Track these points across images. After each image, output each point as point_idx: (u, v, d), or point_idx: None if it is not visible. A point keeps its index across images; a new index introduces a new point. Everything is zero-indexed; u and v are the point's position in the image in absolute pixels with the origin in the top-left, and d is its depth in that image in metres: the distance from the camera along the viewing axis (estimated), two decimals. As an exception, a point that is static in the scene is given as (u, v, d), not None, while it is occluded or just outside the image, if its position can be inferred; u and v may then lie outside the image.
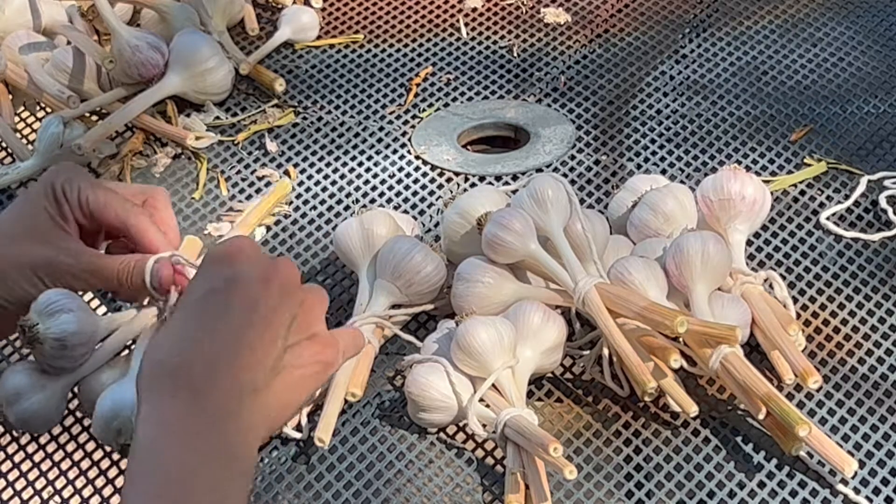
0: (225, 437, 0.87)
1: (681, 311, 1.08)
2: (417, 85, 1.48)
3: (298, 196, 1.35)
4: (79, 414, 1.15)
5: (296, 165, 1.38)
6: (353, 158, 1.39)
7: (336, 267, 1.26)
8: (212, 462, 0.86)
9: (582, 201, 1.31)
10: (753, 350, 1.13)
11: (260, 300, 0.91)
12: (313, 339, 0.93)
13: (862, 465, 1.06)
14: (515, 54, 1.51)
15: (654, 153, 1.37)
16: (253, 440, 0.89)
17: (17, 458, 1.12)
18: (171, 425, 0.86)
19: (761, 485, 1.05)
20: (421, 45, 1.54)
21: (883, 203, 1.28)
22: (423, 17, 1.58)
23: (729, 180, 1.19)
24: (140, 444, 0.86)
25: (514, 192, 1.19)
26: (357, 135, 1.42)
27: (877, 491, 1.05)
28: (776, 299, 1.16)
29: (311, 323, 0.93)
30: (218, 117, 1.44)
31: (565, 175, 1.35)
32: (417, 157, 1.39)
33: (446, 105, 1.45)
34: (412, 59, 1.51)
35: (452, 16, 1.58)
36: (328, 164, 1.38)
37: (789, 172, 1.33)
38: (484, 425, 1.07)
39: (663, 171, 1.34)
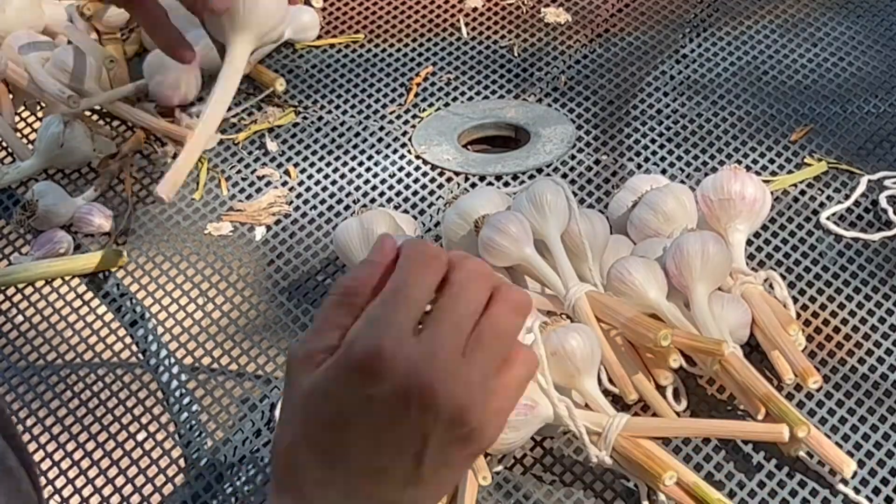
0: None
1: (664, 325, 1.08)
2: (418, 85, 1.48)
3: (298, 196, 1.35)
4: (79, 414, 1.15)
5: (296, 165, 1.38)
6: (354, 158, 1.39)
7: (336, 267, 1.26)
8: None
9: (582, 201, 1.31)
10: (753, 350, 1.13)
11: (392, 425, 0.77)
12: (466, 439, 0.77)
13: (861, 464, 1.06)
14: (516, 54, 1.51)
15: (654, 153, 1.37)
16: None
17: (17, 458, 1.12)
18: None
19: (761, 485, 1.05)
20: (421, 44, 1.53)
21: (883, 203, 1.28)
22: (424, 16, 1.58)
23: (729, 180, 1.19)
24: None
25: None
26: (357, 134, 1.42)
27: (877, 491, 1.05)
28: (776, 299, 1.16)
29: (464, 426, 0.77)
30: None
31: (565, 175, 1.35)
32: (418, 157, 1.39)
33: (447, 105, 1.45)
34: (412, 59, 1.51)
35: (453, 15, 1.58)
36: (328, 164, 1.38)
37: (789, 172, 1.33)
38: None
39: (663, 171, 1.34)
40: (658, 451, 1.03)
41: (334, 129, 1.43)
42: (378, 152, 1.40)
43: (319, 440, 0.78)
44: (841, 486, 1.04)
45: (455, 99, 1.46)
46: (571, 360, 1.05)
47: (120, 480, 1.09)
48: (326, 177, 1.37)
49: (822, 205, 1.29)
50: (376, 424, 0.77)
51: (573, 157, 1.37)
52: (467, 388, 0.77)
